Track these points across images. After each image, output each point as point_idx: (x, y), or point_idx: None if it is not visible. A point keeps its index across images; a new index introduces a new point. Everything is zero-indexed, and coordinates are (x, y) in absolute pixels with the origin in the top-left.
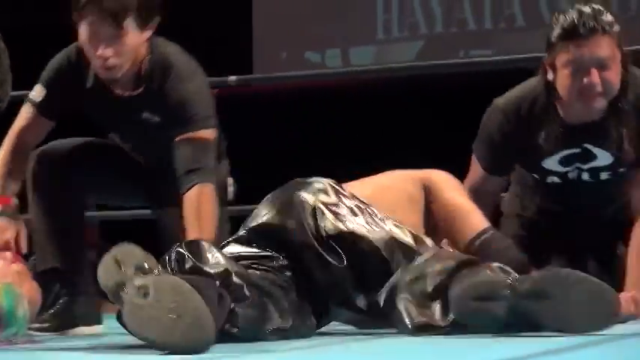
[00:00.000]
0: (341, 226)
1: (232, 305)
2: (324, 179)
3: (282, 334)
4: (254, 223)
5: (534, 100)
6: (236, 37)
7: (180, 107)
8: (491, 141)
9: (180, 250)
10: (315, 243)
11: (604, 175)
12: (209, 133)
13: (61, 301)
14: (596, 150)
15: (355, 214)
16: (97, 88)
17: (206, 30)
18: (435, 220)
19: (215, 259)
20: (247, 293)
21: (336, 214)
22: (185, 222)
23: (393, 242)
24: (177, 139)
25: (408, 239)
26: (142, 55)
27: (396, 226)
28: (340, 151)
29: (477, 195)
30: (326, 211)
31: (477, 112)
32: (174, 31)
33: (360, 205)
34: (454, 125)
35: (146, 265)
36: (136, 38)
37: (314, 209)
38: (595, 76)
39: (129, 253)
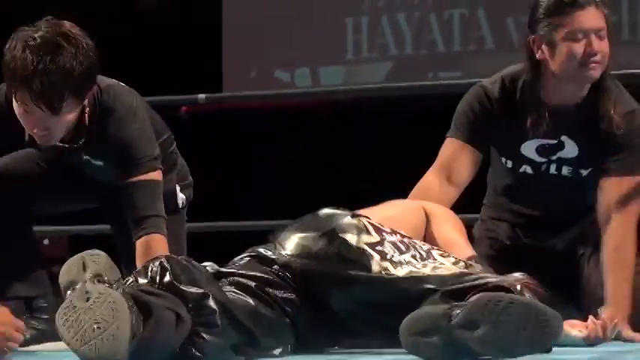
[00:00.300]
0: (389, 266)
1: (200, 330)
2: (357, 214)
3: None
4: (283, 249)
5: (517, 80)
6: (206, 55)
7: (126, 150)
8: (471, 112)
9: (165, 264)
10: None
11: (565, 170)
12: (157, 175)
13: (25, 317)
14: (568, 142)
15: (401, 251)
16: (34, 140)
17: (176, 48)
18: None
19: (197, 281)
20: (218, 322)
21: (382, 254)
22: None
23: (446, 278)
24: (127, 181)
25: (457, 269)
26: (83, 109)
27: (443, 256)
28: (309, 170)
29: (447, 173)
30: (372, 252)
31: (445, 134)
32: (144, 49)
33: (404, 240)
34: (422, 146)
35: (105, 275)
36: (73, 113)
37: (358, 251)
38: (597, 43)
39: (97, 259)
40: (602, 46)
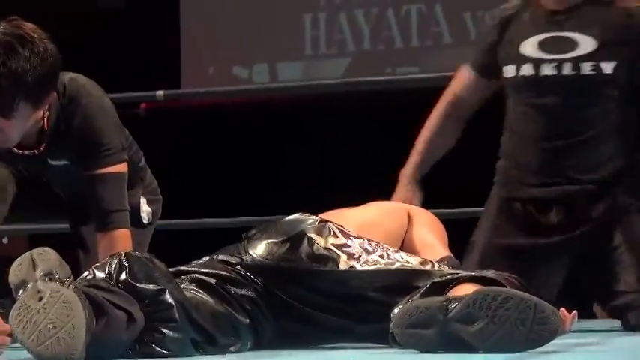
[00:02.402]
0: (356, 264)
1: (158, 325)
2: (324, 219)
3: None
4: (250, 253)
5: None
6: (164, 51)
7: (93, 140)
8: (484, 38)
9: (123, 261)
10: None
11: (586, 68)
12: (124, 167)
13: None
14: (576, 36)
15: (368, 252)
16: None
17: (134, 45)
18: (405, 250)
19: (155, 278)
20: (176, 316)
21: (349, 254)
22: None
23: (414, 271)
24: (93, 173)
25: (427, 267)
26: (43, 114)
27: (410, 256)
28: (267, 166)
29: (455, 103)
30: (339, 252)
31: (404, 129)
32: (102, 46)
33: (372, 243)
34: (380, 140)
35: (56, 273)
36: (28, 118)
37: (325, 250)
38: None
39: (46, 257)
40: None
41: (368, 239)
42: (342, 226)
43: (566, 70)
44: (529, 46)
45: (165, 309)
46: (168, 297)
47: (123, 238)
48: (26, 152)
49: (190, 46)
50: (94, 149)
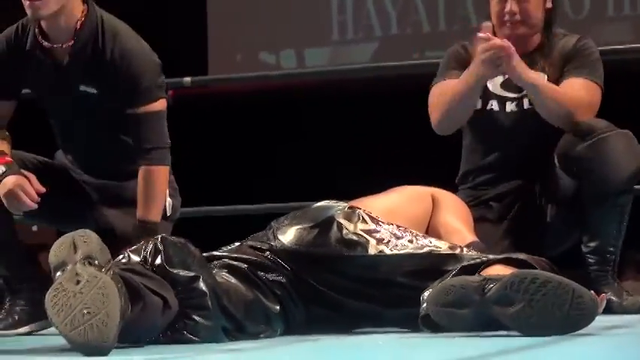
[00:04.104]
0: (385, 249)
1: (191, 313)
2: (353, 206)
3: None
4: (279, 239)
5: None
6: (191, 38)
7: (133, 77)
8: (456, 58)
9: (159, 245)
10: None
11: (526, 104)
12: (162, 104)
13: (7, 304)
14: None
15: (397, 237)
16: (35, 52)
17: (161, 31)
18: (430, 235)
19: (189, 264)
20: (209, 303)
21: (378, 240)
22: (138, 196)
23: (444, 256)
24: (132, 112)
25: (456, 252)
26: (77, 12)
27: (439, 241)
28: (296, 152)
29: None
30: (368, 237)
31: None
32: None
33: (400, 229)
34: (407, 125)
35: (96, 257)
36: None
37: (355, 235)
38: (513, 4)
39: (87, 240)
40: (524, 7)
41: (397, 225)
42: (370, 213)
43: (526, 104)
44: (494, 85)
45: (198, 296)
46: (201, 285)
47: (160, 174)
48: (55, 45)
49: (217, 33)
50: (131, 87)
